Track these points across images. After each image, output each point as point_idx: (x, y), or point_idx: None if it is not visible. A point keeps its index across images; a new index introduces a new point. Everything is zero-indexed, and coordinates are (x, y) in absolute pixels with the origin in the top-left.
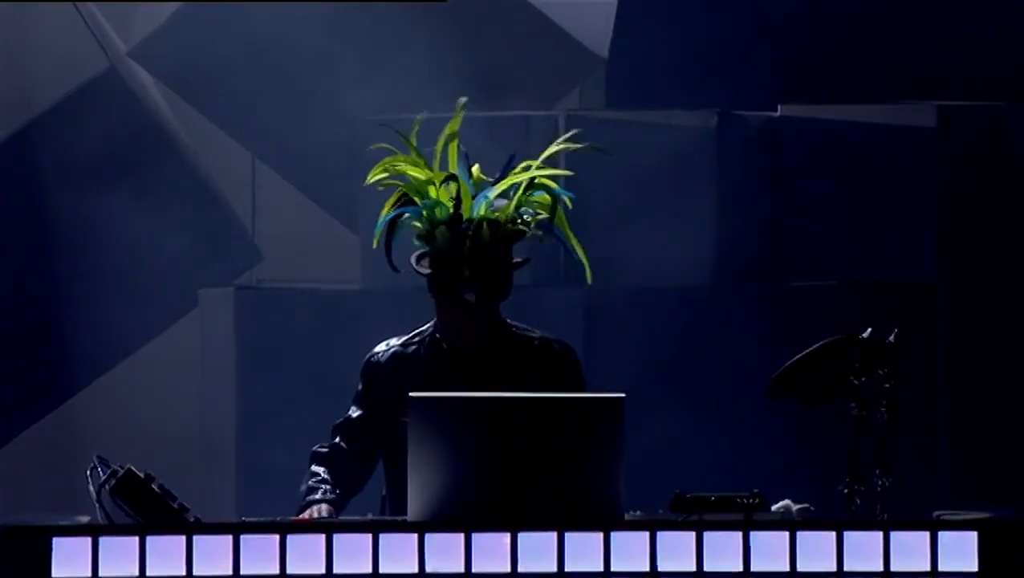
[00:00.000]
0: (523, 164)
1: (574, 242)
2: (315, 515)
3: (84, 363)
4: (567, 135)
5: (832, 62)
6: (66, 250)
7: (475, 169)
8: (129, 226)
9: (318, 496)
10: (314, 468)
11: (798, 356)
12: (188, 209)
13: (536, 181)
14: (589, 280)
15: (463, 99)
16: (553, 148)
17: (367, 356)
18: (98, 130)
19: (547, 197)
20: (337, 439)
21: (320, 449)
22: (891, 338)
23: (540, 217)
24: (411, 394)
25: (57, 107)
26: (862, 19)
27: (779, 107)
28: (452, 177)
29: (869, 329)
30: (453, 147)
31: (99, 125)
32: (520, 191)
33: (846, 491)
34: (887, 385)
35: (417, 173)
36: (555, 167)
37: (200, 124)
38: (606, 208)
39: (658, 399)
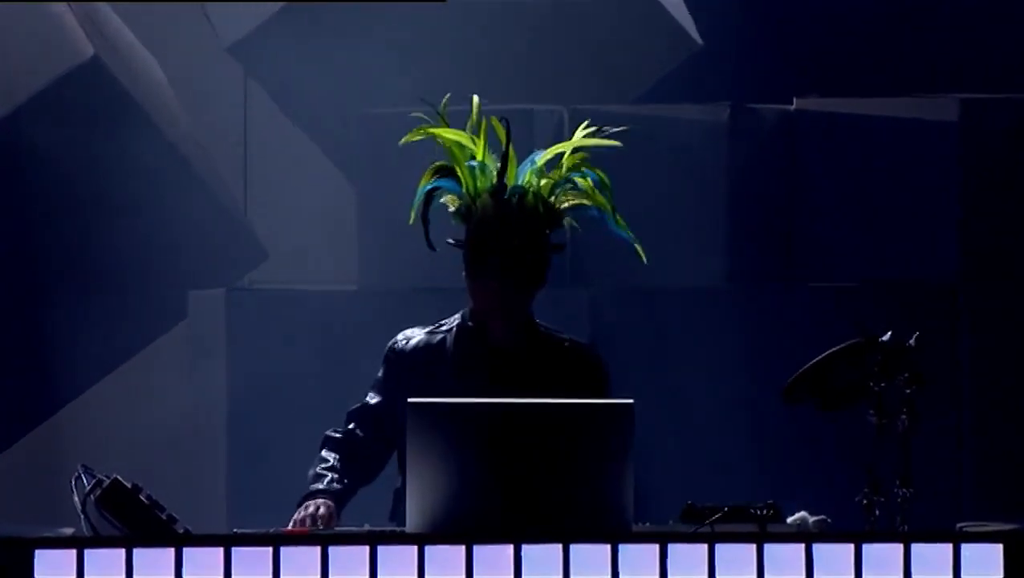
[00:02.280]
0: (555, 149)
1: (623, 225)
2: (312, 512)
3: (74, 374)
4: (585, 123)
5: (850, 53)
6: (53, 251)
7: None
8: (120, 225)
9: (322, 485)
10: (324, 453)
11: (814, 360)
12: (182, 205)
13: (576, 164)
14: (645, 259)
15: (476, 99)
16: (581, 131)
17: (390, 342)
18: (81, 121)
19: (586, 181)
20: (352, 425)
21: (333, 434)
22: (912, 341)
23: (577, 202)
24: (409, 401)
25: (37, 96)
26: (881, 9)
27: (794, 100)
28: (507, 131)
29: (889, 332)
30: (495, 120)
31: (82, 115)
32: (565, 159)
33: (865, 502)
34: (908, 391)
35: (459, 137)
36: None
37: (197, 123)
38: (612, 205)
39: (668, 405)
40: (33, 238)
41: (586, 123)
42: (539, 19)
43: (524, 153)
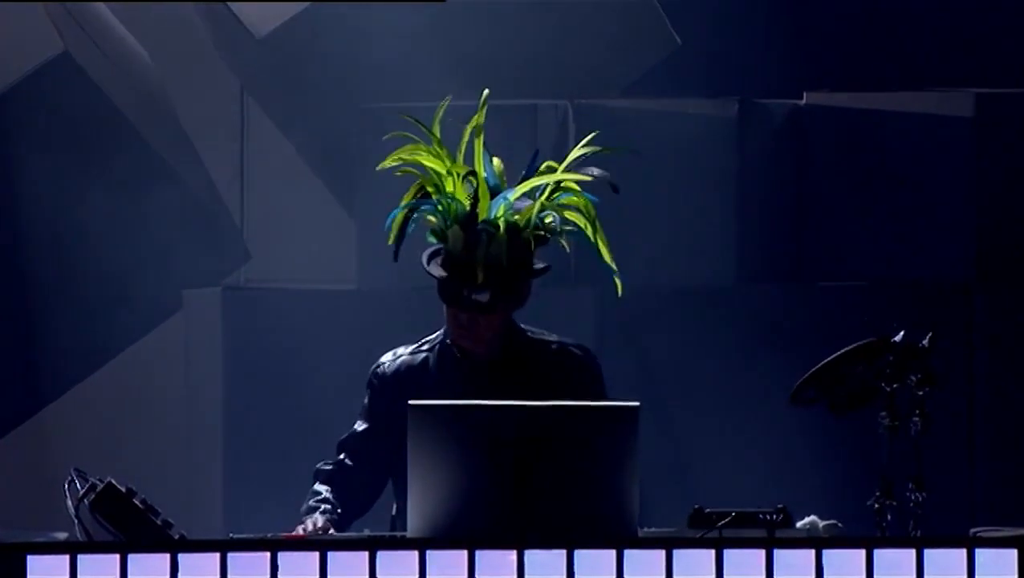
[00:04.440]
0: (546, 164)
1: (606, 254)
2: (309, 527)
3: (60, 370)
4: (591, 136)
5: (861, 47)
6: (38, 247)
7: (497, 163)
8: (104, 221)
9: (317, 514)
10: (316, 487)
11: (825, 361)
12: (160, 203)
13: (563, 185)
14: (619, 292)
15: (486, 91)
16: (577, 151)
17: (373, 366)
18: (51, 118)
19: (575, 200)
20: (342, 456)
21: (324, 466)
22: (925, 342)
23: (567, 228)
24: (410, 402)
25: (9, 92)
26: (894, 2)
27: (804, 95)
28: (472, 173)
29: (902, 332)
30: (479, 143)
31: (52, 112)
32: (545, 195)
33: (876, 506)
34: (921, 392)
35: (436, 165)
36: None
37: (194, 118)
38: (618, 203)
39: (675, 407)
40: (25, 232)
41: (589, 138)
42: (541, 13)
43: (526, 148)
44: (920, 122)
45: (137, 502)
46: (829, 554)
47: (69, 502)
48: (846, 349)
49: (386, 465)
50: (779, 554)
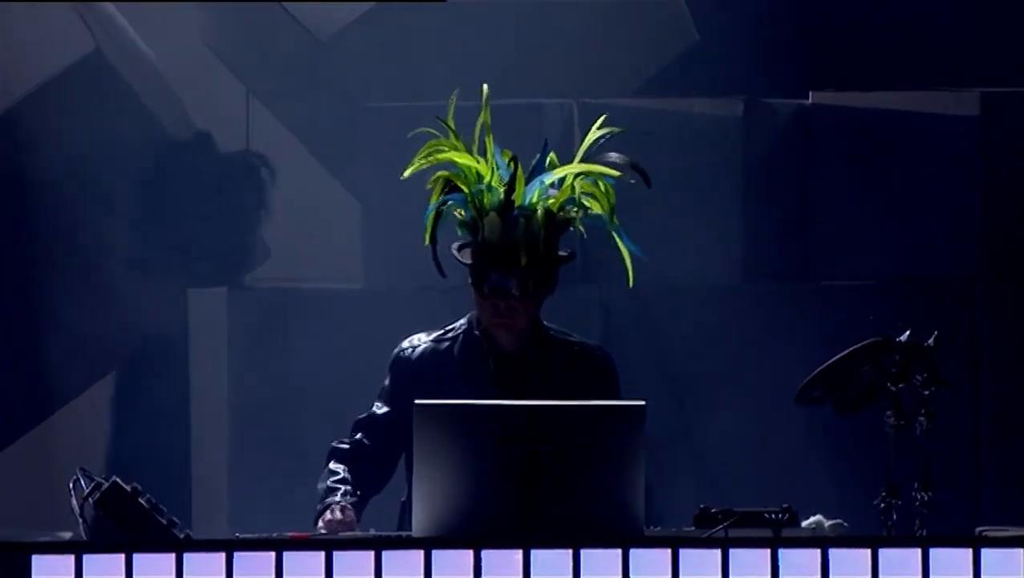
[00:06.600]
0: (550, 159)
1: (621, 245)
2: (338, 516)
3: (66, 373)
4: (599, 120)
5: (867, 46)
6: (49, 247)
7: (508, 155)
8: (117, 221)
9: (337, 498)
10: (333, 465)
11: (830, 361)
12: (182, 202)
13: (587, 170)
14: (631, 283)
15: (486, 88)
16: (593, 135)
17: (396, 351)
18: (83, 114)
19: (593, 186)
20: (359, 436)
21: (340, 445)
22: (930, 341)
23: (589, 211)
24: (416, 402)
25: (39, 91)
26: (899, 1)
27: (810, 94)
28: (515, 159)
29: (907, 331)
30: (490, 141)
31: (84, 109)
32: (571, 178)
33: (882, 505)
34: (926, 391)
35: (463, 159)
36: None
37: (199, 118)
38: (622, 202)
39: (680, 407)
40: (31, 234)
41: (599, 121)
42: (545, 12)
43: (532, 148)
44: (925, 121)
45: (142, 501)
46: (835, 553)
47: (74, 501)
48: (851, 349)
49: (401, 448)
50: (784, 553)
